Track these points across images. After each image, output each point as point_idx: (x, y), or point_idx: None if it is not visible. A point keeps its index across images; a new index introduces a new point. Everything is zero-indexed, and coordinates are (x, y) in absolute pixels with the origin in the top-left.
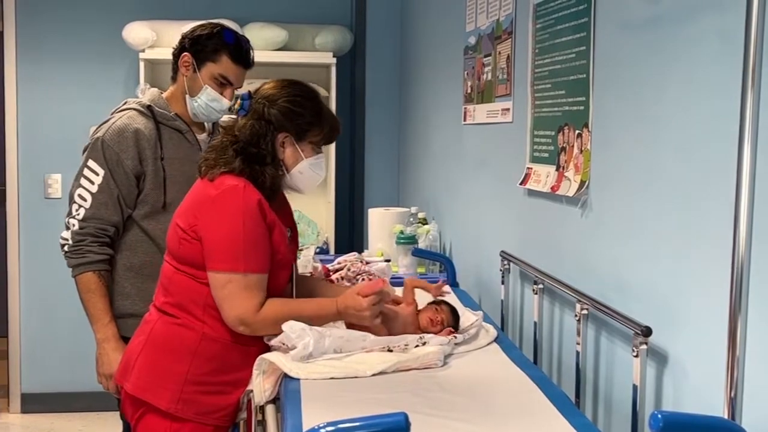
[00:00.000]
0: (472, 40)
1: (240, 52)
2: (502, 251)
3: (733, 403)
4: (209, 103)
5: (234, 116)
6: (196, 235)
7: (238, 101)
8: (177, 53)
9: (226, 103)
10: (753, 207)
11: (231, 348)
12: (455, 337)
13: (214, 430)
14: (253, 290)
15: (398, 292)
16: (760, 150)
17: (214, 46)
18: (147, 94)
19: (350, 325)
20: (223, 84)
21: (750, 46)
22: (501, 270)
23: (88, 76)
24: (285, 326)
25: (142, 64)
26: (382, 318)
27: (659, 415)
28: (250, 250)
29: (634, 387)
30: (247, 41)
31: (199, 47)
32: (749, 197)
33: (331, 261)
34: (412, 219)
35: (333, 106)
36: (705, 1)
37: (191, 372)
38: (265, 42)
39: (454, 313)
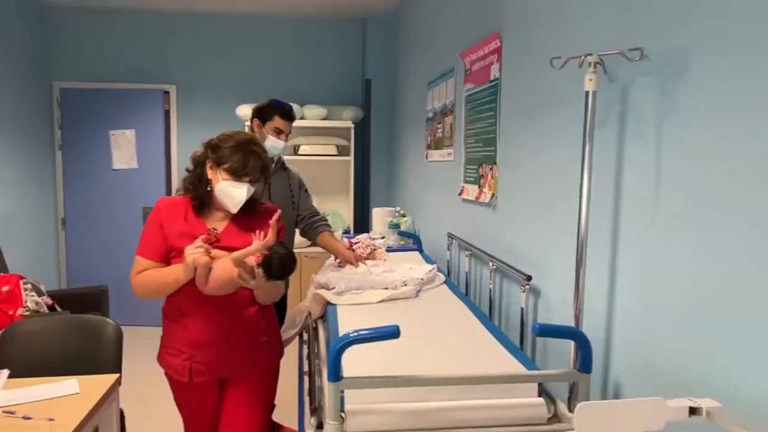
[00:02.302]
0: (431, 114)
1: (284, 112)
2: (448, 232)
3: (577, 319)
4: (272, 145)
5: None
6: None
7: None
8: (251, 119)
9: (281, 144)
10: (589, 209)
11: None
12: (422, 279)
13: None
14: (136, 265)
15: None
16: (594, 178)
17: (269, 111)
18: None
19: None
20: (279, 132)
21: (587, 121)
22: (447, 243)
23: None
24: (329, 277)
25: (246, 127)
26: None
27: (537, 325)
28: (141, 241)
29: (522, 309)
30: (290, 106)
31: (262, 113)
32: (587, 203)
33: (352, 237)
34: (397, 214)
35: (351, 153)
36: (559, 96)
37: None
38: (314, 114)
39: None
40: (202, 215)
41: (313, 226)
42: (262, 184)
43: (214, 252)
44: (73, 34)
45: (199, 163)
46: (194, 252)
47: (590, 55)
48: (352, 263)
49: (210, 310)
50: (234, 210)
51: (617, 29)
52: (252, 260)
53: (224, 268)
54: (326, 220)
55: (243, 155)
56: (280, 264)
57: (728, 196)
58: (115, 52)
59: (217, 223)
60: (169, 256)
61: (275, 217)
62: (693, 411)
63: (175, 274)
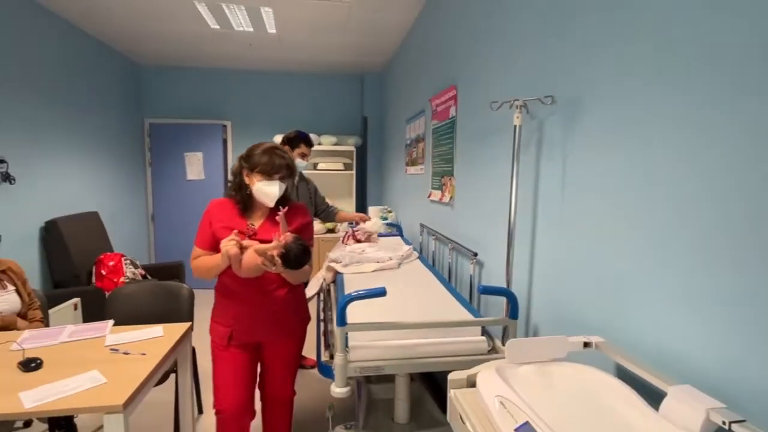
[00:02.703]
0: (408, 141)
1: (308, 140)
2: (421, 223)
3: (508, 282)
4: (297, 165)
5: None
6: None
7: None
8: (281, 144)
9: (304, 163)
10: (516, 206)
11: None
12: (403, 256)
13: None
14: (194, 252)
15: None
16: (520, 190)
17: (296, 139)
18: None
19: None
20: (303, 155)
21: (515, 146)
22: (420, 231)
23: None
24: (339, 257)
25: None
26: (241, 249)
27: (480, 287)
28: (198, 233)
29: (471, 276)
30: (309, 135)
31: (292, 142)
32: (515, 202)
33: (355, 227)
34: (385, 210)
35: (354, 168)
36: (496, 129)
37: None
38: (328, 141)
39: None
40: (246, 214)
41: (329, 210)
42: (291, 181)
43: (247, 242)
44: (159, 84)
45: (236, 174)
46: (227, 244)
47: (517, 100)
48: (363, 220)
49: (246, 289)
50: (271, 204)
51: (536, 83)
52: (274, 252)
53: (252, 256)
54: (336, 207)
55: (269, 157)
56: (294, 257)
57: (607, 195)
58: (188, 96)
59: (256, 220)
60: (217, 245)
61: (281, 213)
62: (586, 344)
63: (215, 260)
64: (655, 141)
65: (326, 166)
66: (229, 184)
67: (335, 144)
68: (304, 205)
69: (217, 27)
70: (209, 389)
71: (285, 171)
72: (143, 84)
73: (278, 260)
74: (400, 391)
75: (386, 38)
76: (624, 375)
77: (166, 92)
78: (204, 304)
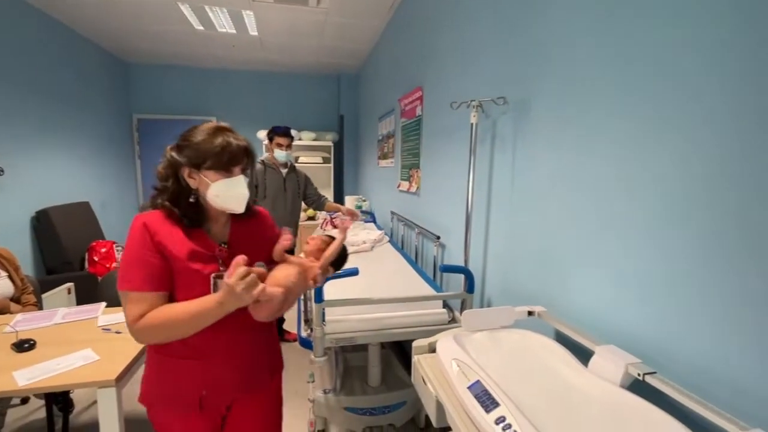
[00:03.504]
0: (380, 137)
1: (282, 131)
2: (391, 210)
3: (466, 261)
4: (278, 154)
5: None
6: None
7: None
8: (265, 139)
9: (284, 153)
10: (473, 194)
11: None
12: (375, 239)
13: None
14: (131, 304)
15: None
16: (476, 180)
17: (270, 132)
18: (264, 156)
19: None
20: (280, 145)
21: (472, 142)
22: (391, 217)
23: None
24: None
25: (263, 146)
26: (265, 281)
27: (442, 266)
28: (128, 270)
29: (434, 256)
30: (286, 127)
31: (270, 135)
32: (472, 191)
33: (333, 215)
34: (360, 199)
35: (332, 162)
36: (456, 126)
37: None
38: (307, 137)
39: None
40: (196, 231)
41: (320, 200)
42: (249, 173)
43: (256, 270)
44: (147, 81)
45: (168, 176)
46: (248, 282)
47: (474, 100)
48: (343, 213)
49: (219, 341)
50: (241, 209)
51: (491, 85)
52: (326, 257)
53: (288, 276)
54: (326, 197)
55: (221, 143)
56: (345, 256)
57: (552, 183)
58: (175, 94)
59: (219, 233)
60: (181, 283)
61: (342, 216)
62: (530, 313)
63: (206, 306)
64: (589, 135)
65: (306, 159)
66: (156, 193)
67: (314, 139)
68: (267, 212)
69: (202, 28)
70: None
71: (245, 159)
72: (132, 81)
73: (331, 269)
74: (372, 358)
75: (360, 42)
76: (561, 338)
77: (154, 89)
78: None
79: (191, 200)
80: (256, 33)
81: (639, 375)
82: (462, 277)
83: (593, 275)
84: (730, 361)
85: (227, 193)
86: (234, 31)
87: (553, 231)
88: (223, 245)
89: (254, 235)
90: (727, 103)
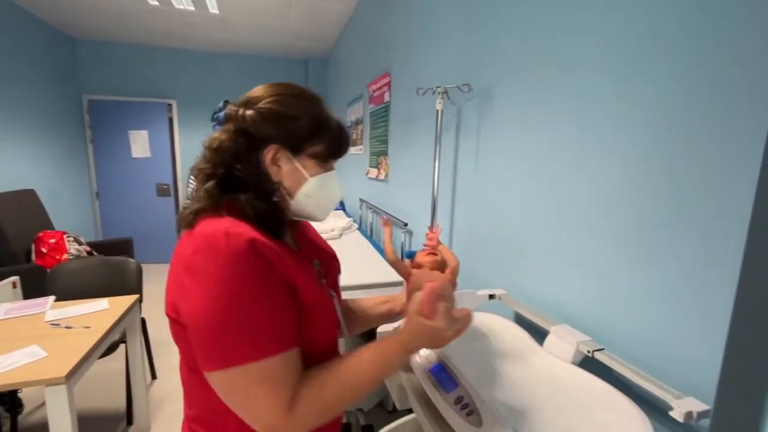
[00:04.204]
0: (349, 124)
1: None
2: (360, 198)
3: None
4: None
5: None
6: (179, 317)
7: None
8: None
9: None
10: (439, 181)
11: None
12: (344, 227)
13: None
14: (272, 382)
15: None
16: (442, 167)
17: None
18: None
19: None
20: None
21: (437, 128)
22: (359, 205)
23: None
24: None
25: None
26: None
27: (409, 251)
28: (251, 326)
29: (402, 242)
30: None
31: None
32: (438, 178)
33: None
34: None
35: None
36: (422, 113)
37: None
38: None
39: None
40: (285, 241)
41: None
42: None
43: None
44: (97, 60)
45: (240, 156)
46: (459, 321)
47: (439, 87)
48: None
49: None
50: (326, 216)
51: (456, 72)
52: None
53: (443, 284)
54: None
55: (338, 123)
56: None
57: (514, 169)
58: (130, 74)
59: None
60: (304, 326)
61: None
62: (491, 297)
63: (389, 363)
64: (547, 123)
65: None
66: (213, 182)
67: None
68: None
69: (156, 3)
70: (162, 356)
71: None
72: (80, 59)
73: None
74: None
75: (327, 26)
76: (519, 320)
77: (105, 68)
78: (153, 279)
79: (275, 199)
80: (216, 11)
81: (588, 352)
82: None
83: (552, 261)
84: (672, 334)
85: (321, 193)
86: (192, 8)
87: (517, 215)
88: (317, 264)
89: (305, 239)
90: (665, 78)
